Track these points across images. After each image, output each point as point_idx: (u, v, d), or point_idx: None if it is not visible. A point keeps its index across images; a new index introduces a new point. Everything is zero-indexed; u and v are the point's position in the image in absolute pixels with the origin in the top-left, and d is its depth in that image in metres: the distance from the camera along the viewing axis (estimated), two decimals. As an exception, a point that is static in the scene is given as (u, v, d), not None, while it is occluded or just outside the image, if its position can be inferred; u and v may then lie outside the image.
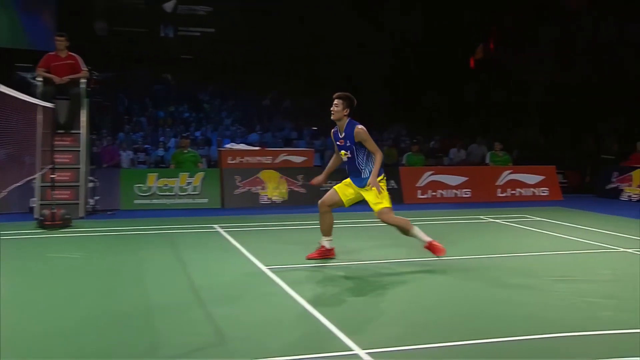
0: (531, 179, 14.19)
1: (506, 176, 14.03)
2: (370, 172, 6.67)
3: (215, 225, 9.71)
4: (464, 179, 13.82)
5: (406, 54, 22.67)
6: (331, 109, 6.76)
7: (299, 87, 22.64)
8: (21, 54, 20.40)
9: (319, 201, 7.04)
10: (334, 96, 6.79)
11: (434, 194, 13.55)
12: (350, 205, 7.02)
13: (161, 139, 17.79)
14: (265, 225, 10.00)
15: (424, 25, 22.23)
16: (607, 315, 4.88)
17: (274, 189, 12.73)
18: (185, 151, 13.50)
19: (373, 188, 6.61)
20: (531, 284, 5.94)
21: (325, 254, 7.08)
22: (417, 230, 6.70)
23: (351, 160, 6.78)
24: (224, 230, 9.25)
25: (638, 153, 14.70)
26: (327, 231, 7.06)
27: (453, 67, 22.11)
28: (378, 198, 6.63)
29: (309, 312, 4.97)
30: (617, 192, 14.18)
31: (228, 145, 14.21)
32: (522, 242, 8.51)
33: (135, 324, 4.70)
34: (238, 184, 12.64)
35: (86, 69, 10.75)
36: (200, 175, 12.64)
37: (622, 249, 7.73)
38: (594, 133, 19.46)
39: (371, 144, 6.67)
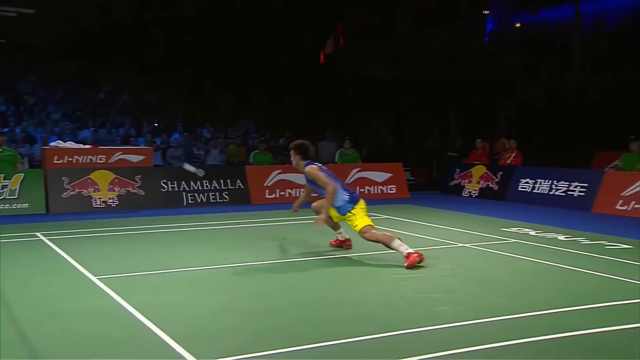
0: (379, 176, 14.94)
1: (355, 174, 14.64)
2: (342, 201, 7.34)
3: (37, 233, 9.08)
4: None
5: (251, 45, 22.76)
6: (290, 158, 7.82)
7: (139, 78, 21.81)
8: None
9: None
10: (289, 148, 7.94)
11: (282, 193, 13.76)
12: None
13: (-29, 135, 16.17)
14: (97, 231, 9.53)
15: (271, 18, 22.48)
16: (445, 310, 5.28)
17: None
18: (0, 150, 12.42)
19: (351, 215, 7.30)
20: (373, 283, 6.27)
21: (343, 244, 8.03)
22: (397, 244, 7.04)
23: (320, 195, 7.61)
24: (48, 239, 8.67)
25: (476, 150, 16.06)
26: (334, 227, 7.89)
27: (303, 62, 22.58)
28: (355, 221, 7.30)
29: (143, 323, 4.82)
30: (460, 188, 15.40)
31: (54, 144, 13.31)
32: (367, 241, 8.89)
33: None
34: (66, 186, 11.90)
35: None
36: (19, 177, 11.72)
37: (461, 244, 8.42)
38: (440, 129, 20.97)
39: (320, 180, 7.36)
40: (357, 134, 18.83)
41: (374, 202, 13.73)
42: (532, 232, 9.38)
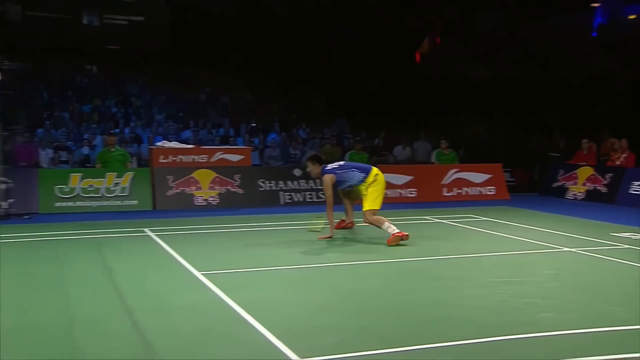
0: (478, 177, 14.60)
1: (452, 175, 14.40)
2: (356, 180, 8.62)
3: (145, 229, 9.57)
4: (409, 178, 14.10)
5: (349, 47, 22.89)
6: (308, 170, 9.10)
7: (238, 80, 22.51)
8: None
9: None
10: (305, 161, 9.49)
11: (378, 193, 13.71)
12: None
13: (86, 136, 17.31)
14: (199, 228, 9.92)
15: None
16: (549, 317, 5.10)
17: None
18: (113, 149, 13.22)
19: (364, 189, 8.56)
20: (473, 286, 6.15)
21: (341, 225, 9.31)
22: (386, 225, 8.30)
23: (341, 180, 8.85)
24: (155, 234, 9.13)
25: (582, 151, 15.35)
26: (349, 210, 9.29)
27: (397, 61, 22.46)
28: (365, 201, 8.54)
29: (245, 319, 4.98)
30: (563, 190, 14.78)
31: (160, 143, 13.99)
32: (467, 242, 8.76)
33: (55, 337, 4.59)
34: (170, 184, 12.48)
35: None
36: (129, 175, 12.40)
37: (566, 249, 8.09)
38: (542, 129, 20.19)
39: (325, 190, 8.79)
40: (453, 134, 18.48)
41: (472, 203, 13.48)
42: (645, 238, 8.86)
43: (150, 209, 12.21)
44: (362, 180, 8.56)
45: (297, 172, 13.57)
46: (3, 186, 10.81)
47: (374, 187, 8.54)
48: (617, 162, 14.40)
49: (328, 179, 8.66)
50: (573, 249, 8.05)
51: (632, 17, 20.00)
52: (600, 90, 18.91)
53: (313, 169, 8.96)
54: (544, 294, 5.83)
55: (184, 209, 12.21)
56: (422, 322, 5.04)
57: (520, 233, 9.34)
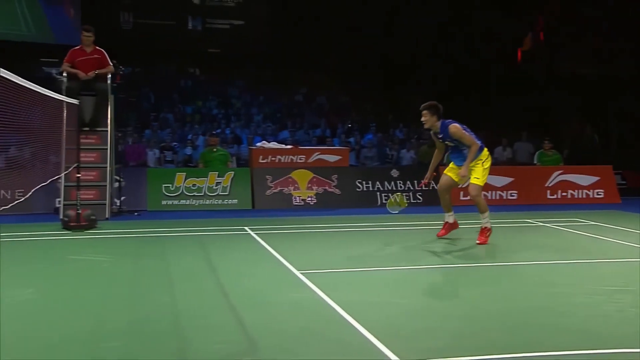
0: (584, 179, 13.93)
1: (556, 177, 13.81)
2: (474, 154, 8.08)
3: (245, 227, 9.81)
4: (509, 179, 13.65)
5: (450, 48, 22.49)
6: (421, 119, 8.27)
7: (333, 81, 22.70)
8: (46, 48, 20.92)
9: (438, 186, 8.72)
10: (420, 109, 8.28)
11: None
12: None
13: (189, 136, 18.02)
14: (297, 228, 10.06)
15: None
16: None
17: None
18: (214, 150, 13.67)
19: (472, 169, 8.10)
20: (584, 294, 5.84)
21: (451, 228, 8.75)
22: (486, 217, 8.24)
23: (454, 148, 8.36)
24: (255, 233, 9.34)
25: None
26: (447, 208, 8.66)
27: (499, 61, 21.85)
28: (475, 174, 8.14)
29: (344, 319, 4.98)
30: (680, 194, 13.80)
31: (259, 144, 14.34)
32: (574, 247, 8.36)
33: (161, 329, 4.78)
34: (269, 184, 12.74)
35: (112, 63, 10.98)
36: (229, 174, 12.78)
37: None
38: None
39: (466, 139, 8.07)
40: (556, 134, 17.71)
41: (579, 207, 12.86)
42: None
43: (249, 208, 12.52)
44: (481, 152, 8.15)
45: (395, 172, 13.47)
46: (116, 184, 11.44)
47: (487, 166, 8.23)
48: None
49: (457, 126, 8.10)
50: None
51: None
52: None
53: (429, 119, 8.20)
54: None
55: (282, 208, 12.42)
56: (529, 329, 4.83)
57: (633, 239, 8.79)
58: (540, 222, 10.71)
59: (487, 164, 8.25)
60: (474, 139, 8.08)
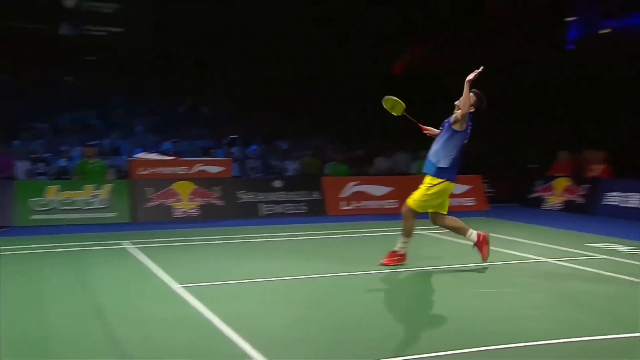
0: (457, 188, 14.60)
1: (432, 186, 14.47)
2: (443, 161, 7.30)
3: (124, 242, 9.50)
4: (389, 189, 14.16)
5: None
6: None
7: (218, 91, 22.51)
8: None
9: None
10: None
11: (358, 205, 13.81)
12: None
13: (63, 147, 17.17)
14: (179, 240, 9.88)
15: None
16: (529, 326, 5.15)
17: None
18: (91, 161, 13.11)
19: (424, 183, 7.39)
20: (453, 296, 6.19)
21: (401, 260, 7.61)
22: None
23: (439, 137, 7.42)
24: (135, 247, 9.07)
25: (559, 162, 15.56)
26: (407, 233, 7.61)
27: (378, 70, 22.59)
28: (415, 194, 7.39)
29: (224, 333, 4.96)
30: (541, 201, 14.96)
31: (139, 155, 13.93)
32: (448, 254, 8.82)
33: (31, 351, 4.53)
34: (150, 196, 12.41)
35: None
36: (108, 187, 12.31)
37: (543, 259, 8.18)
38: (521, 140, 20.38)
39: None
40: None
41: (452, 214, 13.52)
42: (621, 248, 8.99)
43: (128, 221, 12.12)
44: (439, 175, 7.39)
45: (278, 183, 13.58)
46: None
47: (433, 191, 7.41)
48: (595, 174, 14.61)
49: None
50: (550, 260, 8.15)
51: (606, 31, 20.36)
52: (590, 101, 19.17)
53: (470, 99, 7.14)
54: (525, 304, 5.89)
55: (163, 221, 12.14)
56: (406, 333, 5.06)
57: (500, 244, 9.41)
58: (418, 230, 11.17)
59: (435, 190, 7.34)
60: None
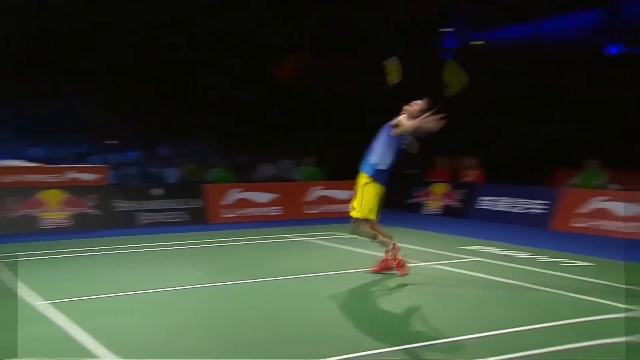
0: (342, 194, 14.93)
1: (316, 192, 14.63)
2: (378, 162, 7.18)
3: (-18, 256, 8.78)
4: (274, 195, 14.14)
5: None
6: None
7: (95, 95, 21.47)
8: None
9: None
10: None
11: (241, 212, 13.67)
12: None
13: None
14: (47, 253, 9.28)
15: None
16: (401, 330, 5.27)
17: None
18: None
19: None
20: (329, 303, 6.24)
21: (386, 267, 7.56)
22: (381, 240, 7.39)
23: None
24: (-6, 262, 8.40)
25: (437, 168, 16.24)
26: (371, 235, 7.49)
27: (262, 79, 22.59)
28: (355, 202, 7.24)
29: (92, 351, 4.68)
30: (420, 206, 15.53)
31: (0, 162, 12.98)
32: (328, 260, 8.91)
33: None
34: (13, 206, 11.58)
35: None
36: (-37, 197, 11.36)
37: (420, 263, 8.45)
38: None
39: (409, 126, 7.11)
40: (320, 151, 18.83)
41: (334, 220, 13.73)
42: (492, 250, 9.49)
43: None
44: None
45: (157, 191, 13.15)
46: None
47: (371, 190, 7.30)
48: (469, 179, 15.38)
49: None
50: (426, 263, 8.43)
51: (478, 42, 21.58)
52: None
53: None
54: (398, 308, 6.03)
55: (28, 232, 11.36)
56: (285, 340, 5.00)
57: (378, 249, 9.63)
58: (300, 236, 11.23)
59: (372, 191, 7.21)
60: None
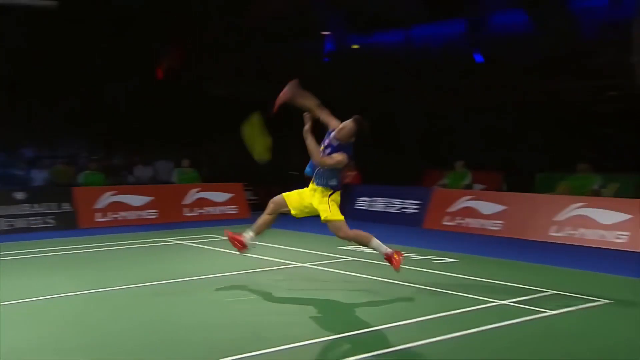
0: (220, 196, 14.81)
1: (194, 194, 14.40)
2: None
3: None
4: (149, 198, 13.74)
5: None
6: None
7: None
8: None
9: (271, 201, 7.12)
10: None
11: (115, 216, 13.16)
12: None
13: None
14: None
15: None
16: (276, 332, 5.32)
17: None
18: None
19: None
20: (208, 307, 6.18)
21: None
22: (374, 245, 6.91)
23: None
24: None
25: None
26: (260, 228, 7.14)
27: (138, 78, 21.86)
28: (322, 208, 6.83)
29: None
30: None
31: None
32: (206, 263, 8.81)
33: None
34: None
35: None
36: None
37: (299, 264, 8.57)
38: (282, 147, 21.20)
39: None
40: (196, 154, 18.53)
41: (214, 223, 13.60)
42: (367, 250, 9.73)
43: None
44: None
45: (21, 195, 12.35)
46: None
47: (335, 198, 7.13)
48: (346, 180, 15.76)
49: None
50: (306, 264, 8.57)
51: (355, 46, 22.17)
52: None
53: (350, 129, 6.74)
54: (276, 310, 6.07)
55: None
56: (151, 347, 4.87)
57: (259, 251, 9.63)
58: (177, 240, 11.01)
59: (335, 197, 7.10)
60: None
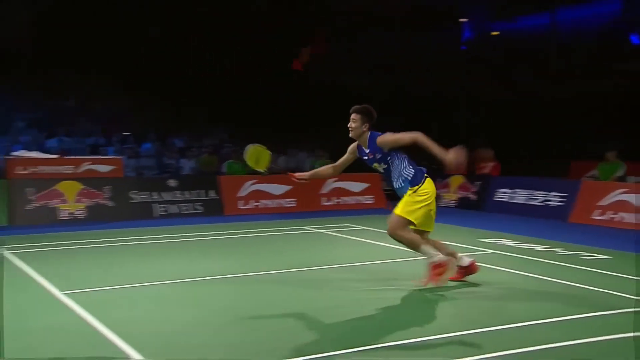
0: (356, 186, 14.99)
1: (331, 184, 14.69)
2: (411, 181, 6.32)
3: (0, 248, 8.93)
4: (288, 187, 14.20)
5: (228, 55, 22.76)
6: (348, 125, 6.43)
7: (110, 86, 21.62)
8: None
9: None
10: (351, 111, 6.45)
11: (256, 204, 13.76)
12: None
13: None
14: (64, 245, 9.44)
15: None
16: (426, 321, 5.32)
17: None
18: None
19: (406, 196, 6.31)
20: (352, 293, 6.30)
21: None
22: (425, 252, 6.44)
23: (387, 170, 6.45)
24: (12, 252, 8.55)
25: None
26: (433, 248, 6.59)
27: (278, 70, 22.62)
28: (406, 206, 6.28)
29: (110, 340, 4.78)
30: (437, 198, 15.51)
31: (17, 153, 13.15)
32: (345, 252, 8.97)
33: None
34: (31, 197, 11.75)
35: None
36: (-20, 187, 11.54)
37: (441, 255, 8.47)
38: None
39: (403, 139, 6.27)
40: (330, 144, 18.88)
41: (350, 212, 13.82)
42: (510, 243, 9.49)
43: (5, 225, 11.41)
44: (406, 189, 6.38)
45: (173, 182, 13.27)
46: None
47: (419, 199, 6.37)
48: (485, 171, 15.35)
49: (388, 135, 6.33)
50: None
51: (496, 33, 21.46)
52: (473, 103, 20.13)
53: (358, 126, 6.36)
54: (417, 301, 6.07)
55: (46, 224, 11.53)
56: (299, 333, 5.07)
57: (394, 241, 9.67)
58: (316, 228, 11.30)
59: (420, 198, 6.34)
60: (409, 133, 6.28)
